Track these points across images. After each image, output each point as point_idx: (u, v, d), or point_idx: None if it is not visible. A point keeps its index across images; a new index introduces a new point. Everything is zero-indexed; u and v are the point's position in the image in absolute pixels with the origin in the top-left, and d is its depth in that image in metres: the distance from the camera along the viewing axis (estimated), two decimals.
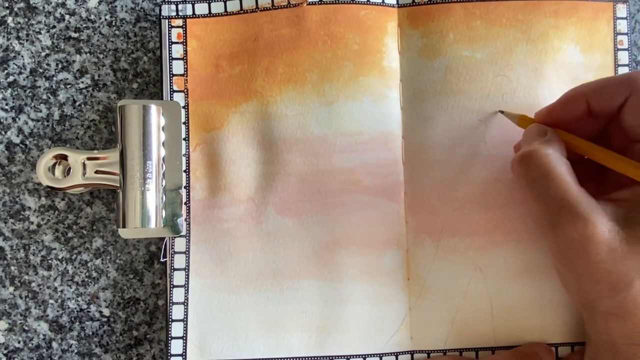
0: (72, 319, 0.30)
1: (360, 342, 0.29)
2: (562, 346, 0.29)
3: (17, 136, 0.30)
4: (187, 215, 0.29)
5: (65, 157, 0.28)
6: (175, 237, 0.29)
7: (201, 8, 0.29)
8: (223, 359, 0.29)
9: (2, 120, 0.30)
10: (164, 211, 0.28)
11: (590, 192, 0.24)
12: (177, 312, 0.29)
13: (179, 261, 0.29)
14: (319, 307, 0.29)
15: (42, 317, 0.30)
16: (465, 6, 0.29)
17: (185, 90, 0.29)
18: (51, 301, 0.30)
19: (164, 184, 0.28)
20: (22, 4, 0.30)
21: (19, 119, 0.30)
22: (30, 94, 0.30)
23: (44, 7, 0.30)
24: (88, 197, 0.30)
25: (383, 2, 0.30)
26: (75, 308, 0.30)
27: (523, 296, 0.29)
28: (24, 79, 0.30)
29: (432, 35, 0.29)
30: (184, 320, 0.29)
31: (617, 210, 0.23)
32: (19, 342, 0.30)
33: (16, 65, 0.30)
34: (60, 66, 0.30)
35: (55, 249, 0.30)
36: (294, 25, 0.29)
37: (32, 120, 0.30)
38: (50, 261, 0.30)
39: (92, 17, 0.30)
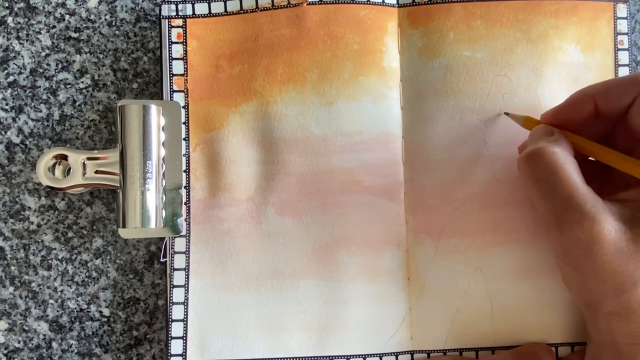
0: (72, 319, 0.30)
1: (360, 342, 0.29)
2: (562, 346, 0.29)
3: (17, 136, 0.30)
4: (187, 215, 0.29)
5: (65, 157, 0.28)
6: (175, 237, 0.29)
7: (201, 8, 0.29)
8: (223, 359, 0.29)
9: (2, 120, 0.30)
10: (164, 211, 0.28)
11: (595, 193, 0.24)
12: (177, 312, 0.29)
13: (179, 261, 0.29)
14: (319, 307, 0.29)
15: (42, 317, 0.30)
16: (465, 6, 0.29)
17: (185, 90, 0.29)
18: (51, 301, 0.30)
19: (164, 184, 0.28)
20: (22, 4, 0.30)
21: (19, 119, 0.30)
22: (30, 94, 0.30)
23: (44, 7, 0.30)
24: (88, 197, 0.30)
25: (383, 2, 0.29)
26: (75, 308, 0.30)
27: (523, 296, 0.29)
28: (24, 79, 0.30)
29: (433, 35, 0.29)
30: (184, 320, 0.29)
31: (624, 211, 0.23)
32: (19, 342, 0.30)
33: (16, 65, 0.30)
34: (60, 66, 0.30)
35: (55, 249, 0.30)
36: (294, 25, 0.29)
37: (32, 120, 0.30)
38: (50, 261, 0.30)
39: (92, 17, 0.30)
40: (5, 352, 0.30)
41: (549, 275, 0.29)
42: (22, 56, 0.30)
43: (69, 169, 0.28)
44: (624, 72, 0.30)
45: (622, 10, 0.30)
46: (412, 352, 0.29)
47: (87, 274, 0.30)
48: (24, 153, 0.30)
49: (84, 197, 0.30)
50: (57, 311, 0.30)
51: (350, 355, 0.29)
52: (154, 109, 0.28)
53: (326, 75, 0.29)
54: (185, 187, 0.29)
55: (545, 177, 0.24)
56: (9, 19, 0.30)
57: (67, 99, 0.30)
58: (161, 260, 0.30)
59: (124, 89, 0.30)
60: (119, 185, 0.27)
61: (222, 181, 0.29)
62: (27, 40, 0.30)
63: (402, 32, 0.30)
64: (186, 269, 0.29)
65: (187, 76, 0.29)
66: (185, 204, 0.29)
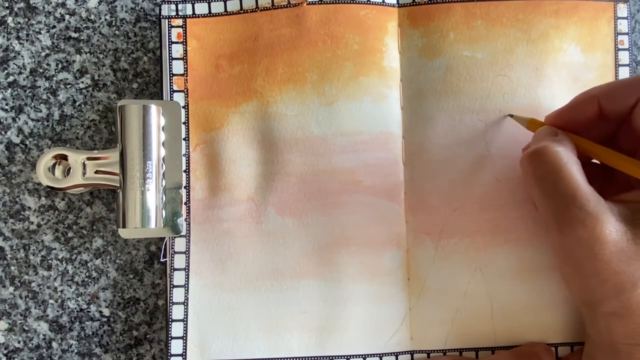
0: (72, 319, 0.30)
1: (360, 342, 0.29)
2: (562, 346, 0.29)
3: (17, 136, 0.30)
4: (187, 215, 0.29)
5: (65, 157, 0.28)
6: (175, 237, 0.29)
7: (201, 8, 0.29)
8: (223, 359, 0.29)
9: (2, 120, 0.30)
10: (164, 211, 0.28)
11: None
12: (177, 312, 0.29)
13: (179, 261, 0.29)
14: (319, 307, 0.29)
15: (42, 317, 0.30)
16: (465, 6, 0.29)
17: (185, 90, 0.29)
18: (51, 301, 0.30)
19: (164, 184, 0.28)
20: (22, 4, 0.30)
21: (19, 119, 0.30)
22: (30, 94, 0.30)
23: (44, 7, 0.30)
24: (88, 197, 0.30)
25: (383, 1, 0.29)
26: (75, 308, 0.30)
27: (523, 296, 0.29)
28: (24, 79, 0.30)
29: (433, 35, 0.29)
30: (184, 320, 0.29)
31: (626, 211, 0.23)
32: (19, 342, 0.30)
33: (16, 65, 0.30)
34: (60, 66, 0.30)
35: (55, 249, 0.30)
36: (294, 25, 0.29)
37: (32, 120, 0.30)
38: (50, 261, 0.30)
39: (92, 17, 0.30)
40: (5, 352, 0.30)
41: (549, 275, 0.29)
42: (22, 56, 0.30)
43: (69, 169, 0.28)
44: (624, 72, 0.30)
45: (622, 10, 0.30)
46: (412, 352, 0.29)
47: (87, 274, 0.30)
48: (24, 153, 0.30)
49: (84, 197, 0.30)
50: (57, 311, 0.30)
51: (350, 355, 0.29)
52: (154, 109, 0.28)
53: (326, 75, 0.29)
54: (185, 187, 0.29)
55: (548, 175, 0.24)
56: (9, 19, 0.30)
57: (67, 99, 0.30)
58: (161, 260, 0.30)
59: (124, 89, 0.30)
60: (119, 185, 0.27)
61: (222, 181, 0.29)
62: (27, 40, 0.30)
63: (402, 32, 0.30)
64: (186, 269, 0.29)
65: (187, 76, 0.29)
66: (185, 204, 0.29)
